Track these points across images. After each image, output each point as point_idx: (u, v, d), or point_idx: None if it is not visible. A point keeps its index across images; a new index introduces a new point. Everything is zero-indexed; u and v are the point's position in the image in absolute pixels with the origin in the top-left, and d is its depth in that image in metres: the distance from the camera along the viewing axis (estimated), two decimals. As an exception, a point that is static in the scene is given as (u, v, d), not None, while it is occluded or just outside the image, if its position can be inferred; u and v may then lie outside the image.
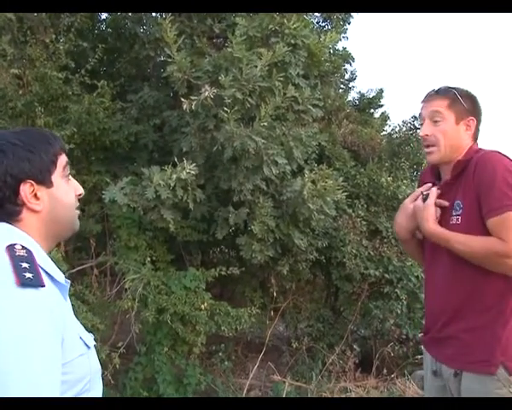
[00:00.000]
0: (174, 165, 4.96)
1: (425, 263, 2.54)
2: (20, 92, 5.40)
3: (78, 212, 1.53)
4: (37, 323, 1.19)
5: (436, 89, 2.41)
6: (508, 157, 2.24)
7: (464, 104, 2.33)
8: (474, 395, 2.23)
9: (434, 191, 2.39)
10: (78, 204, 1.53)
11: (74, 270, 5.90)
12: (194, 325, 5.44)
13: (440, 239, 2.30)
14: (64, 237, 1.55)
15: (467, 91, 2.40)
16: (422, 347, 2.59)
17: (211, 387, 5.93)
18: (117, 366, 5.33)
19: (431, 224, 2.33)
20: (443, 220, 2.34)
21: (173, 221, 5.21)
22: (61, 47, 5.58)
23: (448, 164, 2.37)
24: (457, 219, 2.28)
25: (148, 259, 5.59)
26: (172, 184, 4.85)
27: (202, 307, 5.38)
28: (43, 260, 1.36)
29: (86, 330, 1.46)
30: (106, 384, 5.32)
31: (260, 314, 6.32)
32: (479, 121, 2.40)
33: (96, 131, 5.62)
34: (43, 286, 1.24)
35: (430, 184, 2.46)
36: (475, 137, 2.40)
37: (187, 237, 5.81)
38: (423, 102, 2.44)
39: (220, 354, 6.33)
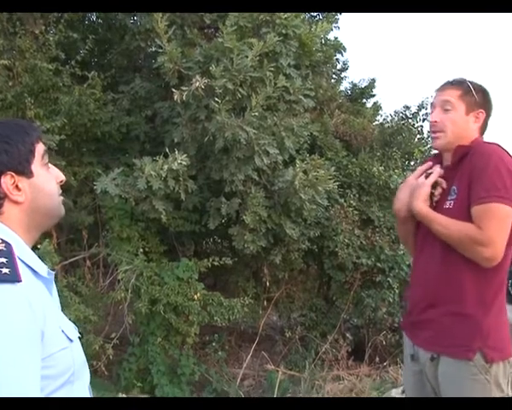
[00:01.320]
0: (166, 156, 4.96)
1: (415, 247, 2.55)
2: (10, 84, 5.36)
3: (61, 198, 1.50)
4: (13, 318, 1.18)
5: (451, 79, 2.44)
6: (506, 150, 2.27)
7: (476, 96, 2.35)
8: (449, 379, 2.25)
9: (437, 172, 2.41)
10: (60, 191, 1.51)
11: (67, 262, 5.90)
12: (187, 316, 5.46)
13: (425, 219, 2.33)
14: (49, 226, 1.52)
15: (480, 85, 2.42)
16: (403, 331, 2.61)
17: (204, 377, 5.95)
18: (110, 356, 5.34)
19: (419, 202, 2.35)
20: (438, 204, 2.37)
21: (165, 212, 5.21)
22: (51, 38, 5.53)
23: (451, 151, 2.39)
24: (450, 203, 2.30)
25: (141, 250, 5.60)
26: (164, 175, 4.85)
27: (195, 297, 5.40)
28: (25, 253, 1.34)
29: (77, 322, 1.46)
30: (100, 375, 5.38)
31: (253, 304, 6.35)
32: (488, 115, 2.42)
33: (87, 123, 5.59)
34: (20, 281, 1.23)
35: (435, 165, 2.48)
36: (483, 131, 2.43)
37: (179, 228, 5.82)
38: (437, 91, 2.47)
39: (214, 344, 6.35)
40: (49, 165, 1.48)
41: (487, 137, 2.45)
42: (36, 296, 1.27)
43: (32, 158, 1.41)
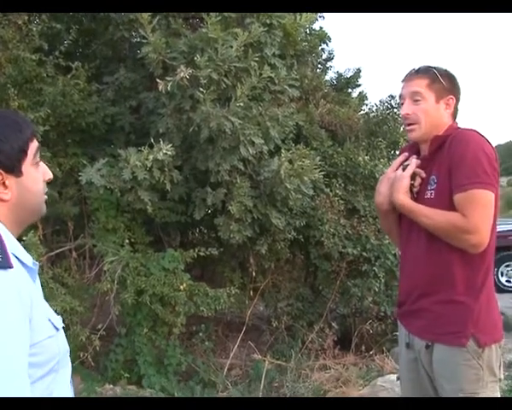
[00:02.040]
0: (151, 146, 4.95)
1: (401, 238, 2.56)
2: (-7, 75, 5.34)
3: (45, 197, 1.51)
4: (5, 303, 1.19)
5: (416, 68, 2.44)
6: (484, 137, 2.28)
7: (444, 83, 2.37)
8: (444, 366, 2.28)
9: (414, 163, 2.42)
10: (46, 189, 1.52)
11: (53, 253, 5.89)
12: (173, 306, 5.48)
13: (408, 211, 2.35)
14: (32, 221, 1.54)
15: (446, 70, 2.43)
16: (398, 320, 2.64)
17: (191, 367, 5.97)
18: (97, 348, 5.35)
19: (401, 195, 2.37)
20: (419, 195, 2.39)
21: (151, 202, 5.21)
22: (35, 29, 5.50)
23: (428, 141, 2.41)
24: (431, 193, 2.32)
25: (127, 241, 5.60)
26: (149, 165, 4.85)
27: (181, 287, 5.41)
28: (11, 243, 1.35)
29: (63, 313, 1.48)
30: (87, 367, 5.39)
31: (240, 294, 6.36)
32: (457, 100, 2.43)
33: (72, 114, 5.56)
34: (11, 267, 1.24)
35: (411, 155, 2.49)
36: (455, 116, 2.44)
37: (165, 219, 5.81)
38: (403, 81, 2.47)
39: (200, 334, 6.36)
40: (39, 162, 1.49)
41: (463, 123, 2.47)
42: (24, 284, 1.29)
43: (24, 157, 1.41)
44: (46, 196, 1.52)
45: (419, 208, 2.31)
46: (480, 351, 2.23)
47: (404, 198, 2.36)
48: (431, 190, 2.33)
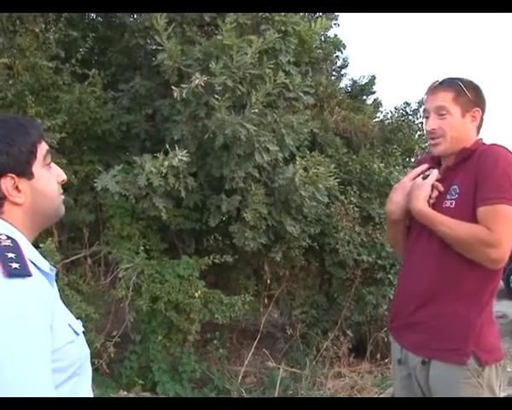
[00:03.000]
0: (166, 153, 4.96)
1: (407, 247, 2.54)
2: (11, 82, 5.37)
3: (62, 197, 1.51)
4: (26, 312, 1.19)
5: (440, 80, 2.39)
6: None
7: (469, 95, 2.32)
8: (442, 383, 2.23)
9: (435, 173, 2.39)
10: (61, 190, 1.52)
11: (68, 260, 5.90)
12: (188, 313, 5.46)
13: (427, 219, 2.31)
14: (49, 225, 1.54)
15: (471, 82, 2.38)
16: (391, 335, 2.59)
17: (206, 374, 5.96)
18: (112, 354, 5.35)
19: (421, 202, 2.33)
20: (436, 203, 2.34)
21: (165, 209, 5.21)
22: (51, 36, 5.54)
23: (452, 155, 2.37)
24: (451, 203, 2.28)
25: (142, 248, 5.60)
26: (164, 172, 4.85)
27: (196, 295, 5.40)
28: (28, 249, 1.35)
29: (76, 316, 1.47)
30: (101, 373, 5.39)
31: (254, 302, 6.35)
32: (483, 111, 2.39)
33: (88, 121, 5.60)
34: (31, 275, 1.24)
35: (431, 167, 2.46)
36: (479, 128, 2.40)
37: (180, 226, 5.81)
38: (427, 94, 2.43)
39: (215, 341, 6.35)
40: (51, 164, 1.49)
41: (484, 135, 2.44)
42: (44, 291, 1.29)
43: (34, 159, 1.41)
44: (63, 197, 1.52)
45: (440, 217, 2.26)
46: (481, 369, 2.18)
47: (423, 205, 2.33)
48: (451, 199, 2.29)
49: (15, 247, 1.29)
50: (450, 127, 2.31)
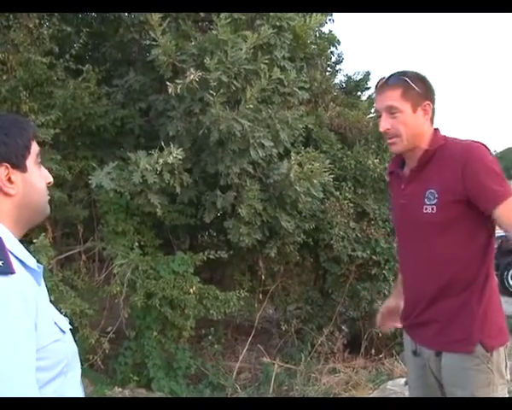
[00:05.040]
0: (161, 149, 4.95)
1: (400, 248, 2.54)
2: (4, 78, 5.35)
3: (48, 198, 1.51)
4: (8, 310, 1.18)
5: (386, 77, 2.35)
6: (487, 147, 2.25)
7: (418, 89, 2.28)
8: (453, 371, 2.26)
9: None
10: (47, 192, 1.52)
11: (62, 256, 5.89)
12: (183, 309, 5.46)
13: None
14: (35, 223, 1.52)
15: (417, 74, 2.34)
16: (404, 330, 2.60)
17: (201, 370, 5.96)
18: (106, 350, 5.35)
19: None
20: (413, 208, 2.31)
21: (160, 206, 5.20)
22: (45, 32, 5.51)
23: (412, 151, 2.34)
24: (432, 208, 2.23)
25: (136, 244, 5.59)
26: (159, 169, 4.84)
27: (191, 290, 5.40)
28: (14, 245, 1.34)
29: (73, 316, 1.46)
30: (96, 369, 5.38)
31: (249, 297, 6.35)
32: (434, 102, 2.35)
33: (82, 117, 5.58)
34: (14, 273, 1.23)
35: (397, 169, 2.48)
36: (433, 119, 2.37)
37: (174, 222, 5.81)
38: (375, 93, 2.40)
39: (210, 337, 6.35)
40: (40, 165, 1.49)
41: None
42: (28, 288, 1.27)
43: (28, 154, 1.41)
44: (49, 197, 1.52)
45: None
46: (489, 355, 2.21)
47: None
48: (431, 204, 2.24)
49: None
50: (403, 125, 2.28)
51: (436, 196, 2.24)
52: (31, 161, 1.42)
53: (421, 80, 2.32)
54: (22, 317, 1.21)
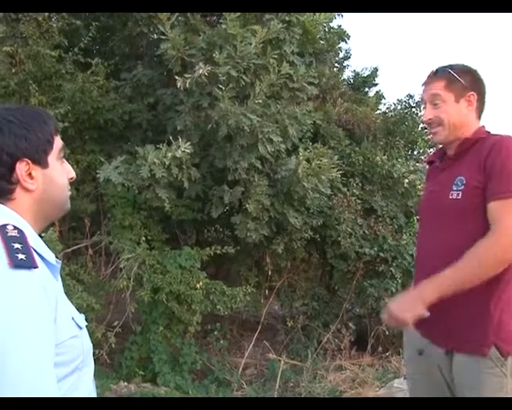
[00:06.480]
0: (169, 143, 4.93)
1: (420, 240, 2.50)
2: (13, 71, 5.36)
3: (69, 193, 1.50)
4: (31, 305, 1.17)
5: (434, 70, 2.37)
6: None
7: (462, 81, 2.29)
8: (465, 373, 2.21)
9: None
10: (69, 187, 1.51)
11: (69, 250, 5.89)
12: (189, 304, 5.45)
13: (436, 293, 2.22)
14: (55, 218, 1.53)
15: (464, 67, 2.36)
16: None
17: (206, 366, 5.95)
18: (112, 345, 5.35)
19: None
20: (441, 194, 2.31)
21: (168, 200, 5.19)
22: (54, 25, 5.53)
23: (454, 142, 2.34)
24: (458, 194, 2.23)
25: (143, 238, 5.59)
26: (167, 163, 4.83)
27: (197, 286, 5.39)
28: (35, 240, 1.33)
29: (79, 310, 1.46)
30: (101, 363, 5.38)
31: (255, 293, 6.34)
32: (481, 94, 2.35)
33: (90, 110, 5.58)
34: (37, 267, 1.22)
35: (438, 163, 2.46)
36: (479, 111, 2.37)
37: (182, 216, 5.80)
38: (423, 85, 2.41)
39: (216, 332, 6.34)
40: (63, 160, 1.48)
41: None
42: (49, 283, 1.27)
43: (50, 149, 1.40)
44: (70, 193, 1.51)
45: (440, 279, 2.15)
46: (503, 359, 2.15)
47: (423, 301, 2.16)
48: (457, 190, 2.23)
49: (22, 237, 1.26)
50: (446, 114, 2.30)
51: (464, 182, 2.23)
52: (53, 157, 1.41)
53: (467, 73, 2.34)
54: (44, 311, 1.20)
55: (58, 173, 1.44)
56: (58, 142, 1.44)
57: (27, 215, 1.37)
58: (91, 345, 1.46)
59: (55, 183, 1.42)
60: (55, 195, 1.43)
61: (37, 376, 1.14)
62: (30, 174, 1.36)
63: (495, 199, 2.11)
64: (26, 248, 1.24)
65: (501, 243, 2.09)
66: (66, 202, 1.49)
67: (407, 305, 2.16)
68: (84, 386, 1.38)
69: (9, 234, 1.25)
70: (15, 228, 1.28)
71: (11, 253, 1.20)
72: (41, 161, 1.38)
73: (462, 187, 2.23)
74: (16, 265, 1.19)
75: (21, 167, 1.35)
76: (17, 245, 1.23)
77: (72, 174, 1.51)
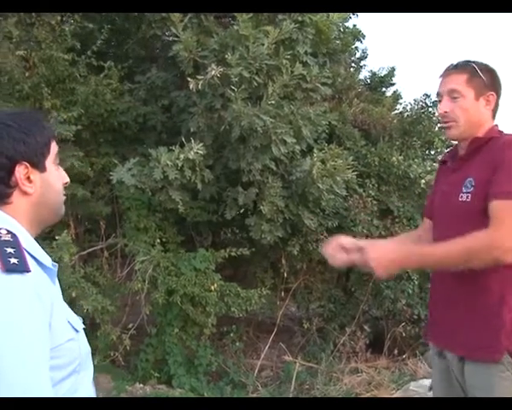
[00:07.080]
0: (182, 145, 4.94)
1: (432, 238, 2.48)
2: (27, 74, 5.39)
3: (64, 198, 1.52)
4: (23, 309, 1.18)
5: (454, 63, 2.32)
6: None
7: (484, 78, 2.24)
8: (476, 377, 2.18)
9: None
10: (64, 192, 1.53)
11: (85, 252, 5.92)
12: (204, 307, 5.45)
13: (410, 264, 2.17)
14: (51, 223, 1.53)
15: (486, 65, 2.30)
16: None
17: (222, 368, 5.95)
18: (128, 347, 5.37)
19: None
20: (451, 196, 2.27)
21: (182, 202, 5.19)
22: (67, 29, 5.55)
23: (467, 140, 2.30)
24: (467, 196, 2.19)
25: (158, 240, 5.60)
26: (180, 165, 4.83)
27: (212, 288, 5.39)
28: (30, 244, 1.34)
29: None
30: (117, 366, 5.40)
31: (271, 295, 6.32)
32: (498, 96, 2.31)
33: (104, 113, 5.60)
34: (29, 271, 1.23)
35: (451, 163, 2.42)
36: (495, 112, 2.32)
37: (196, 218, 5.79)
38: (441, 77, 2.36)
39: (231, 335, 6.33)
40: (58, 166, 1.50)
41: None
42: (43, 287, 1.27)
43: (47, 153, 1.42)
44: (64, 198, 1.53)
45: (425, 255, 2.17)
46: None
47: (393, 261, 2.12)
48: (467, 192, 2.19)
49: (15, 242, 1.27)
50: (463, 110, 2.24)
51: (473, 183, 2.19)
52: (50, 161, 1.43)
53: (489, 71, 2.29)
54: (36, 315, 1.21)
55: (54, 178, 1.46)
56: (54, 147, 1.46)
57: (23, 219, 1.38)
58: (89, 348, 1.46)
59: (52, 187, 1.45)
60: (52, 199, 1.45)
61: (31, 376, 1.15)
62: (28, 178, 1.38)
63: (499, 198, 2.07)
64: (19, 253, 1.25)
65: (493, 241, 2.04)
66: (61, 207, 1.51)
67: (386, 262, 2.10)
68: (84, 389, 1.39)
69: (2, 238, 1.26)
70: (9, 232, 1.29)
71: (3, 257, 1.21)
72: (39, 165, 1.40)
73: (472, 189, 2.18)
74: (8, 269, 1.20)
75: (20, 171, 1.36)
76: (10, 249, 1.24)
77: (67, 179, 1.54)
